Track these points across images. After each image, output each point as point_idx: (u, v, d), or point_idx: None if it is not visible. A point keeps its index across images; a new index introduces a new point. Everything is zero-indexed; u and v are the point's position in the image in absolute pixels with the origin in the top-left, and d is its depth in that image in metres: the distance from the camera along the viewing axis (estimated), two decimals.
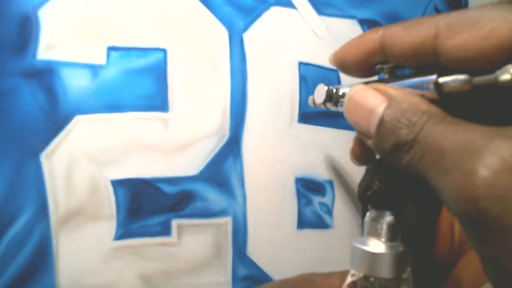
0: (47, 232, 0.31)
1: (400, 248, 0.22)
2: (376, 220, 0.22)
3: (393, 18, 0.42)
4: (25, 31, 0.31)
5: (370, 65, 0.22)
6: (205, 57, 0.35)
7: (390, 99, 0.19)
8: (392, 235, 0.22)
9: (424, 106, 0.18)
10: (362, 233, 0.23)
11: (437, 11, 0.44)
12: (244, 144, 0.36)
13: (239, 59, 0.36)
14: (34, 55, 0.31)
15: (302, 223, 0.37)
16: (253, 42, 0.37)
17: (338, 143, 0.39)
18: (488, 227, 0.15)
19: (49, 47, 0.32)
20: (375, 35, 0.21)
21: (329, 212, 0.38)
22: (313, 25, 0.39)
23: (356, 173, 0.40)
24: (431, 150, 0.17)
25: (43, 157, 0.31)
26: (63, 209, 0.32)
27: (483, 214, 0.15)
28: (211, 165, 0.35)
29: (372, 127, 0.19)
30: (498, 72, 0.16)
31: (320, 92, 0.25)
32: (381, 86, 0.20)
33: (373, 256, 0.22)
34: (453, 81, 0.18)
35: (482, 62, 0.17)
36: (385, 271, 0.21)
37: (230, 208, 0.35)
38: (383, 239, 0.22)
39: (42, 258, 0.31)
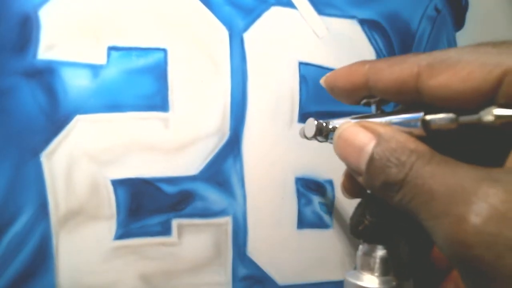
0: (47, 231, 0.31)
1: (394, 283, 0.22)
2: (368, 254, 0.23)
3: (393, 18, 0.42)
4: (26, 30, 0.31)
5: (357, 95, 0.23)
6: (206, 57, 0.35)
7: (378, 137, 0.19)
8: (385, 270, 0.22)
9: (412, 144, 0.18)
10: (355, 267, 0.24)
11: (437, 11, 0.44)
12: (244, 144, 0.36)
13: (240, 59, 0.36)
14: (34, 54, 0.31)
15: (302, 223, 0.37)
16: (253, 42, 0.37)
17: None
18: (481, 274, 0.15)
19: (49, 46, 0.32)
20: (362, 68, 0.21)
21: (329, 212, 0.38)
22: (313, 25, 0.39)
23: None
24: (420, 192, 0.17)
25: (43, 156, 0.31)
26: (63, 209, 0.32)
27: (475, 261, 0.15)
28: (211, 165, 0.35)
29: (362, 164, 0.20)
30: (481, 112, 0.17)
31: (310, 126, 0.26)
32: (369, 124, 0.21)
33: None
34: (440, 119, 0.18)
35: (463, 102, 0.17)
36: None
37: (230, 208, 0.35)
38: (376, 274, 0.22)
39: (42, 257, 0.31)
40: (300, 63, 0.38)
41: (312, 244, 0.38)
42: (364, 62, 0.21)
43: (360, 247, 0.23)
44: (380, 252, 0.22)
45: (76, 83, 0.32)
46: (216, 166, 0.35)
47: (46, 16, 0.32)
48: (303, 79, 0.38)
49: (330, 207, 0.39)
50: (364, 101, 0.23)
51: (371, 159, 0.19)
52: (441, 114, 0.18)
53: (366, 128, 0.20)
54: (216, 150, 0.35)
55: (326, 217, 0.38)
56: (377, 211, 0.22)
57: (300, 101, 0.38)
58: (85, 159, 0.32)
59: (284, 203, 0.37)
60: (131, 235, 0.33)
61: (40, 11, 0.32)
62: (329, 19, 0.39)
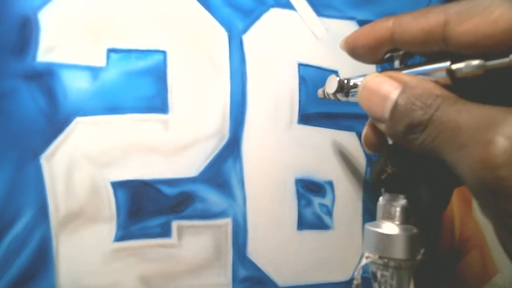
0: (47, 234, 0.31)
1: (414, 230, 0.22)
2: (389, 203, 0.23)
3: None
4: (25, 33, 0.31)
5: (380, 52, 0.23)
6: (205, 59, 0.36)
7: (404, 85, 0.19)
8: (406, 218, 0.22)
9: (438, 90, 0.18)
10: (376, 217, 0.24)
11: None
12: (244, 145, 0.36)
13: (239, 61, 0.36)
14: (34, 57, 0.31)
15: (302, 224, 0.37)
16: (252, 43, 0.37)
17: (338, 144, 0.39)
18: (505, 195, 0.15)
19: (49, 49, 0.32)
20: (386, 23, 0.21)
21: (329, 213, 0.38)
22: (312, 26, 0.39)
23: (357, 173, 0.40)
24: (446, 127, 0.17)
25: (43, 159, 0.31)
26: (63, 211, 0.32)
27: (501, 182, 0.15)
28: (211, 167, 0.35)
29: (386, 111, 0.20)
30: (511, 55, 0.17)
31: (332, 83, 0.26)
32: (395, 73, 0.21)
33: (388, 237, 0.22)
34: (466, 66, 0.18)
35: (491, 46, 0.17)
36: (400, 252, 0.22)
37: (230, 209, 0.35)
38: (397, 222, 0.22)
39: (42, 260, 0.31)
40: (300, 64, 0.38)
41: (312, 245, 0.38)
42: (387, 18, 0.22)
43: (381, 197, 0.24)
44: (401, 201, 0.23)
45: (75, 85, 0.32)
46: (216, 168, 0.35)
47: (46, 18, 0.32)
48: (302, 80, 0.38)
49: (330, 208, 0.38)
50: (388, 55, 0.23)
51: (396, 105, 0.19)
52: (468, 60, 0.18)
53: (392, 77, 0.20)
54: (216, 152, 0.35)
55: (326, 218, 0.38)
56: (399, 160, 0.23)
57: (300, 102, 0.38)
58: (85, 161, 0.32)
59: (284, 205, 0.37)
60: (131, 237, 0.33)
61: (39, 13, 0.32)
62: (328, 21, 0.40)
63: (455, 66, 0.19)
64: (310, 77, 0.38)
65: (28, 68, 0.31)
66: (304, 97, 0.38)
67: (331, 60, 0.39)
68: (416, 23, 0.20)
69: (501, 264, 0.40)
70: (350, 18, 0.40)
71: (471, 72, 0.18)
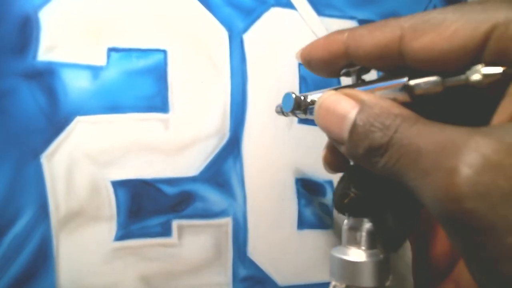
0: (48, 233, 0.31)
1: (381, 256, 0.21)
2: (354, 228, 0.22)
3: None
4: (26, 32, 0.31)
5: (335, 66, 0.22)
6: (205, 58, 0.35)
7: (361, 103, 0.19)
8: (372, 243, 0.21)
9: (397, 109, 0.17)
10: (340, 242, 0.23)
11: None
12: (244, 145, 0.36)
13: (239, 60, 0.36)
14: (34, 56, 0.31)
15: (302, 223, 0.37)
16: (253, 43, 0.37)
17: None
18: (474, 229, 0.14)
19: (49, 48, 0.32)
20: (340, 37, 0.21)
21: (329, 212, 0.38)
22: (313, 26, 0.39)
23: None
24: (407, 151, 0.16)
25: (44, 158, 0.31)
26: (64, 210, 0.32)
27: (468, 214, 0.14)
28: (211, 166, 0.35)
29: (345, 132, 0.19)
30: (468, 72, 0.16)
31: (288, 100, 0.25)
32: (352, 91, 0.20)
33: (354, 265, 0.21)
34: (425, 83, 0.18)
35: (448, 63, 0.17)
36: (367, 280, 0.21)
37: (231, 208, 0.35)
38: (363, 247, 0.21)
39: (43, 259, 0.31)
40: (300, 64, 0.38)
41: (312, 245, 0.38)
42: (342, 31, 0.21)
43: (345, 221, 0.23)
44: (366, 225, 0.22)
45: (76, 84, 0.32)
46: (216, 167, 0.35)
47: (46, 18, 0.32)
48: (302, 79, 0.38)
49: (330, 207, 0.39)
50: (344, 71, 0.22)
51: (354, 125, 0.18)
52: (426, 78, 0.18)
53: (348, 95, 0.19)
54: (216, 151, 0.35)
55: (326, 218, 0.38)
56: (362, 182, 0.22)
57: None
58: (85, 160, 0.32)
59: (284, 204, 0.37)
60: (131, 236, 0.33)
61: (40, 12, 0.32)
62: (329, 20, 0.39)
63: (413, 82, 0.18)
64: (311, 77, 0.38)
65: (29, 67, 0.31)
66: None
67: None
68: (371, 38, 0.19)
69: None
70: (351, 18, 0.40)
71: (430, 89, 0.18)
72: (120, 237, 0.33)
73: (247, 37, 0.37)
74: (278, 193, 0.37)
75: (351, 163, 0.23)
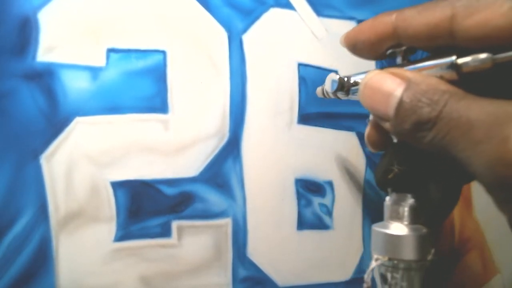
0: (47, 233, 0.31)
1: (424, 230, 0.21)
2: (397, 203, 0.22)
3: None
4: (25, 33, 0.31)
5: (382, 48, 0.22)
6: (205, 59, 0.36)
7: (407, 81, 0.19)
8: (415, 218, 0.22)
9: (444, 86, 0.18)
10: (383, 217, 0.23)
11: None
12: (243, 145, 0.36)
13: (239, 61, 0.36)
14: (34, 57, 0.31)
15: (302, 224, 0.37)
16: (252, 43, 0.37)
17: (337, 144, 0.39)
18: None
19: (48, 49, 0.32)
20: (389, 18, 0.21)
21: (329, 213, 0.38)
22: (312, 26, 0.39)
23: (356, 173, 0.40)
24: (457, 124, 0.16)
25: (43, 159, 0.31)
26: (63, 211, 0.32)
27: None
28: (211, 166, 0.35)
29: (391, 109, 0.19)
30: None
31: (331, 81, 0.25)
32: (397, 70, 0.20)
33: (397, 238, 0.21)
34: (474, 60, 0.18)
35: (502, 40, 0.17)
36: (410, 253, 0.21)
37: (230, 209, 0.35)
38: (405, 222, 0.22)
39: (42, 259, 0.31)
40: (299, 64, 0.38)
41: (312, 245, 0.38)
42: (390, 12, 0.21)
43: (387, 197, 0.23)
44: (409, 200, 0.22)
45: (75, 85, 0.32)
46: (216, 168, 0.35)
47: (46, 18, 0.32)
48: (302, 80, 0.38)
49: (330, 208, 0.38)
50: (390, 51, 0.22)
51: (400, 102, 0.19)
52: (474, 55, 0.18)
53: (394, 74, 0.20)
54: (216, 152, 0.35)
55: (326, 218, 0.38)
56: (406, 158, 0.22)
57: (300, 102, 0.38)
58: (85, 161, 0.32)
59: (284, 204, 0.37)
60: (131, 237, 0.33)
61: (39, 13, 0.32)
62: (328, 20, 0.39)
63: (461, 61, 0.18)
64: (310, 77, 0.38)
65: (28, 68, 0.31)
66: (304, 97, 0.38)
67: (331, 60, 0.39)
68: (421, 18, 0.19)
69: (501, 264, 0.40)
70: (350, 18, 0.40)
71: (479, 66, 0.18)
72: (119, 237, 0.33)
73: (247, 38, 0.37)
74: (278, 194, 0.37)
75: (394, 140, 0.23)
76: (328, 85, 0.25)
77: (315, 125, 0.38)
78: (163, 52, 0.34)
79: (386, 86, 0.20)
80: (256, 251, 0.36)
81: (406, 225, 0.22)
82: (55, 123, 0.32)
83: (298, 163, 0.38)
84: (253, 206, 0.36)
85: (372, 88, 0.21)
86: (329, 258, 0.38)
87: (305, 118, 0.38)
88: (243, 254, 0.36)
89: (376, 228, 0.22)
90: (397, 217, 0.22)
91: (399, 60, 0.22)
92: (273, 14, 0.38)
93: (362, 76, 0.22)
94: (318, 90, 0.29)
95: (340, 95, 0.25)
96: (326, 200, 0.38)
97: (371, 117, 0.24)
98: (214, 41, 0.36)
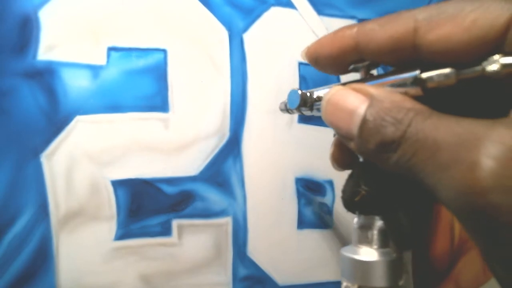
0: (48, 232, 0.31)
1: (394, 254, 0.21)
2: (365, 226, 0.21)
3: None
4: (26, 31, 0.31)
5: (344, 62, 0.21)
6: (205, 58, 0.35)
7: (371, 98, 0.18)
8: (384, 241, 0.21)
9: (408, 103, 0.17)
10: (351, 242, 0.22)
11: None
12: (244, 144, 0.36)
13: (239, 59, 0.36)
14: (34, 55, 0.31)
15: (302, 223, 0.37)
16: (253, 42, 0.37)
17: None
18: (499, 224, 0.13)
19: (49, 47, 0.32)
20: (349, 32, 0.20)
21: (329, 212, 0.38)
22: (313, 25, 0.39)
23: None
24: (423, 146, 0.15)
25: (44, 157, 0.31)
26: (64, 210, 0.32)
27: (492, 208, 0.13)
28: (211, 165, 0.35)
29: (354, 128, 0.18)
30: (484, 63, 0.16)
31: (294, 97, 0.24)
32: (360, 85, 0.19)
33: (366, 265, 0.20)
34: (438, 75, 0.17)
35: (465, 54, 0.16)
36: (380, 280, 0.20)
37: (230, 208, 0.35)
38: (375, 246, 0.21)
39: (43, 258, 0.31)
40: (300, 63, 0.38)
41: (312, 244, 0.38)
42: (350, 26, 0.20)
43: (356, 220, 0.22)
44: (378, 223, 0.21)
45: (76, 83, 0.32)
46: (216, 167, 0.35)
47: (46, 17, 0.32)
48: (302, 79, 0.38)
49: (330, 207, 0.39)
50: (352, 66, 0.21)
51: (364, 121, 0.18)
52: (439, 70, 0.17)
53: (357, 90, 0.19)
54: (216, 151, 0.35)
55: (326, 218, 0.38)
56: (373, 179, 0.21)
57: None
58: (85, 159, 0.32)
59: (284, 204, 0.37)
60: (131, 236, 0.33)
61: (40, 12, 0.32)
62: (329, 19, 0.39)
63: (425, 75, 0.17)
64: (311, 76, 0.38)
65: (29, 67, 0.31)
66: None
67: None
68: (383, 31, 0.19)
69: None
70: (351, 17, 0.40)
71: (443, 81, 0.17)
72: (120, 236, 0.33)
73: (247, 37, 0.37)
74: (278, 193, 0.37)
75: (361, 159, 0.22)
76: (291, 101, 0.24)
77: (316, 124, 0.38)
78: (164, 51, 0.34)
79: (349, 103, 0.19)
80: (256, 250, 0.36)
81: (376, 249, 0.21)
82: (55, 121, 0.31)
83: (298, 162, 0.38)
84: (253, 205, 0.36)
85: (334, 105, 0.20)
86: (329, 257, 0.38)
87: (305, 117, 0.38)
88: (243, 253, 0.36)
89: (345, 253, 0.21)
90: (366, 241, 0.21)
91: (362, 75, 0.21)
92: (274, 13, 0.38)
93: (326, 90, 0.21)
94: (281, 105, 0.28)
95: (304, 111, 0.24)
96: (326, 200, 0.38)
97: (334, 134, 0.23)
98: (215, 40, 0.36)
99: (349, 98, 0.19)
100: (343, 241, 0.39)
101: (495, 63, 0.15)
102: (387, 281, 0.20)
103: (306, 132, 0.38)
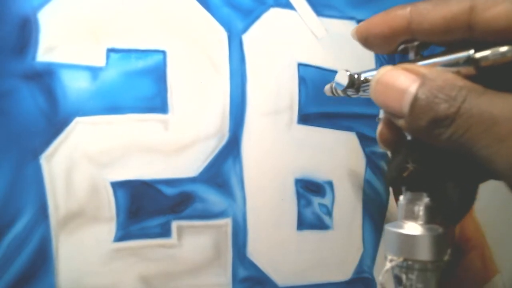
0: (47, 233, 0.31)
1: (440, 230, 0.21)
2: (412, 202, 0.22)
3: None
4: (25, 33, 0.31)
5: (395, 42, 0.21)
6: (205, 59, 0.36)
7: (422, 77, 0.18)
8: (430, 217, 0.21)
9: (461, 81, 0.17)
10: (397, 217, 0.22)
11: None
12: (243, 145, 0.36)
13: (239, 60, 0.36)
14: (33, 57, 0.31)
15: (302, 224, 0.37)
16: (252, 43, 0.37)
17: (337, 144, 0.39)
18: None
19: (48, 49, 0.32)
20: (403, 11, 0.20)
21: (329, 213, 0.38)
22: (312, 26, 0.39)
23: (356, 173, 0.40)
24: (478, 120, 0.16)
25: (43, 159, 0.31)
26: (63, 211, 0.32)
27: None
28: (211, 167, 0.35)
29: (405, 106, 0.18)
30: None
31: (342, 78, 0.24)
32: (411, 66, 0.19)
33: (412, 239, 0.21)
34: (493, 53, 0.17)
35: None
36: (425, 254, 0.20)
37: (230, 209, 0.35)
38: (420, 222, 0.21)
39: (42, 259, 0.31)
40: (299, 64, 0.38)
41: (312, 246, 0.38)
42: (404, 6, 0.20)
43: (402, 196, 0.22)
44: (425, 199, 0.21)
45: (75, 85, 0.32)
46: (216, 168, 0.35)
47: (45, 18, 0.32)
48: (302, 80, 0.38)
49: (330, 208, 0.38)
50: (402, 47, 0.21)
51: (416, 99, 0.18)
52: (493, 48, 0.17)
53: (408, 70, 0.19)
54: (216, 152, 0.35)
55: (326, 218, 0.38)
56: (421, 156, 0.21)
57: (299, 102, 0.38)
58: (85, 161, 0.32)
59: (283, 205, 0.37)
60: (131, 237, 0.33)
61: (39, 13, 0.32)
62: (328, 20, 0.39)
63: (479, 54, 0.17)
64: (310, 77, 0.38)
65: (28, 68, 0.31)
66: (304, 97, 0.38)
67: (331, 60, 0.39)
68: (437, 11, 0.19)
69: (501, 264, 0.40)
70: (350, 18, 0.40)
71: (499, 59, 0.17)
72: (119, 237, 0.33)
73: (247, 38, 0.37)
74: (277, 194, 0.37)
75: (408, 138, 0.22)
76: (339, 82, 0.24)
77: (315, 125, 0.38)
78: (163, 52, 0.34)
79: (400, 82, 0.19)
80: (256, 251, 0.36)
81: (421, 225, 0.21)
82: (55, 123, 0.32)
83: (298, 163, 0.38)
84: (253, 206, 0.36)
85: (384, 85, 0.20)
86: (329, 258, 0.38)
87: (305, 118, 0.38)
88: (243, 254, 0.36)
89: (390, 228, 0.22)
90: (412, 217, 0.21)
91: (411, 55, 0.21)
92: (273, 14, 0.38)
93: (373, 73, 0.22)
94: (327, 88, 0.28)
95: (350, 92, 0.24)
96: (326, 200, 0.38)
97: (381, 114, 0.23)
98: (214, 41, 0.36)
99: (400, 78, 0.19)
100: (343, 242, 0.39)
101: None
102: (432, 255, 0.20)
103: (306, 133, 0.38)
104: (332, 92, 0.26)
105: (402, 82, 0.19)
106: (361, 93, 0.24)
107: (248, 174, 0.36)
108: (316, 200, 0.38)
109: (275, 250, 0.36)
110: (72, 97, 0.32)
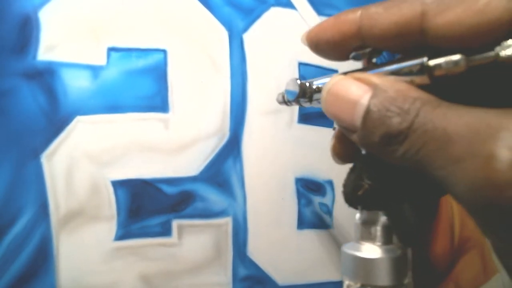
0: (48, 232, 0.31)
1: (399, 251, 0.20)
2: (368, 222, 0.20)
3: None
4: (26, 32, 0.31)
5: (345, 48, 0.20)
6: (205, 58, 0.35)
7: (374, 87, 0.17)
8: (388, 238, 0.20)
9: (414, 92, 0.16)
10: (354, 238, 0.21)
11: None
12: (244, 144, 0.36)
13: (239, 60, 0.36)
14: (34, 56, 0.31)
15: (302, 223, 0.37)
16: (253, 42, 0.37)
17: None
18: None
19: (49, 48, 0.32)
20: (353, 16, 0.19)
21: (329, 212, 0.38)
22: (313, 25, 0.39)
23: None
24: (433, 137, 0.15)
25: (44, 157, 0.31)
26: (64, 210, 0.32)
27: (510, 204, 0.13)
28: (211, 166, 0.35)
29: (357, 119, 0.17)
30: (497, 48, 0.15)
31: (292, 87, 0.22)
32: (363, 75, 0.18)
33: (369, 262, 0.19)
34: (446, 62, 0.16)
35: (476, 39, 0.15)
36: (385, 278, 0.19)
37: (230, 208, 0.35)
38: (378, 243, 0.20)
39: (43, 258, 0.31)
40: (300, 63, 0.38)
41: (312, 244, 0.38)
42: (354, 9, 0.19)
43: (358, 215, 0.21)
44: (381, 218, 0.20)
45: (76, 84, 0.32)
46: (216, 167, 0.35)
47: (46, 17, 0.32)
48: (302, 79, 0.38)
49: (330, 207, 0.39)
50: (353, 54, 0.20)
51: (368, 111, 0.17)
52: (448, 56, 0.16)
53: (359, 79, 0.18)
54: (216, 151, 0.35)
55: (326, 217, 0.38)
56: (376, 173, 0.20)
57: None
58: (85, 160, 0.32)
59: (284, 204, 0.37)
60: (132, 236, 0.33)
61: (40, 12, 0.32)
62: None
63: (432, 62, 0.16)
64: (311, 76, 0.38)
65: (29, 67, 0.31)
66: None
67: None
68: (388, 15, 0.17)
69: (500, 264, 0.40)
70: None
71: (452, 69, 0.16)
72: (120, 236, 0.33)
73: (247, 37, 0.37)
74: (278, 193, 0.37)
75: (363, 152, 0.21)
76: (289, 91, 0.23)
77: (316, 125, 0.38)
78: (164, 51, 0.34)
79: (351, 93, 0.18)
80: (256, 250, 0.36)
81: (379, 246, 0.20)
82: (55, 122, 0.31)
83: (298, 162, 0.38)
84: (253, 205, 0.36)
85: (335, 95, 0.19)
86: (329, 257, 0.38)
87: (305, 117, 0.38)
88: (243, 253, 0.36)
89: (346, 250, 0.20)
90: (369, 238, 0.20)
91: (363, 63, 0.20)
92: (274, 13, 0.38)
93: (326, 80, 0.20)
94: (278, 97, 0.26)
95: (303, 102, 0.23)
96: (326, 200, 0.38)
97: (335, 125, 0.23)
98: (215, 40, 0.36)
99: (351, 88, 0.18)
100: (343, 241, 0.39)
101: (510, 48, 0.14)
102: (392, 279, 0.19)
103: (306, 132, 0.38)
104: (284, 101, 0.25)
105: (353, 92, 0.18)
106: (314, 102, 0.23)
107: (249, 173, 0.36)
108: (316, 199, 0.38)
109: (276, 249, 0.37)
110: (73, 96, 0.32)
